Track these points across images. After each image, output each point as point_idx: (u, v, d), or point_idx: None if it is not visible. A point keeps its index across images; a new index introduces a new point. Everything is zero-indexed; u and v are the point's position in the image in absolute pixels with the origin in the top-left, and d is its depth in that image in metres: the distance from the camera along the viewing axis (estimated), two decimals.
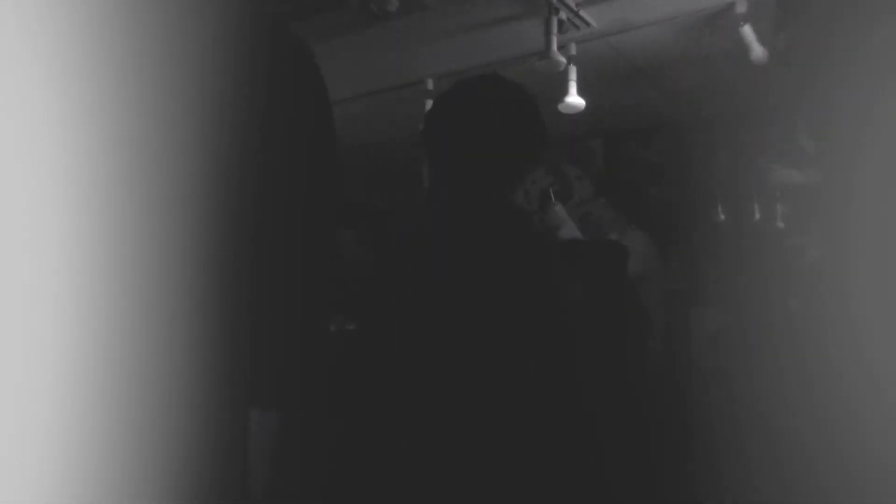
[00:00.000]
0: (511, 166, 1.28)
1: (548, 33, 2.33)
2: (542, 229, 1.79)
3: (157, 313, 0.48)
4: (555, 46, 2.33)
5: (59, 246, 0.44)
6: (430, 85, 2.88)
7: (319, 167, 0.59)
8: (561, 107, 2.56)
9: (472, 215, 1.22)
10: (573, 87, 2.57)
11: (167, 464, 0.50)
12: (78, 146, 0.45)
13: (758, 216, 3.18)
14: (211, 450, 0.55)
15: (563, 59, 2.37)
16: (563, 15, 2.36)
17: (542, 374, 1.17)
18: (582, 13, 2.39)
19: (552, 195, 2.53)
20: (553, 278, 1.27)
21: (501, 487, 1.08)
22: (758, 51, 2.32)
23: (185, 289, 0.48)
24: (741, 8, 2.29)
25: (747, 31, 2.30)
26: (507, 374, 1.12)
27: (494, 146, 1.25)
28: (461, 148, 1.25)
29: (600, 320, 1.43)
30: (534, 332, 1.18)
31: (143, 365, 0.47)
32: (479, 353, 1.11)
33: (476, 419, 1.09)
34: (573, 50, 2.58)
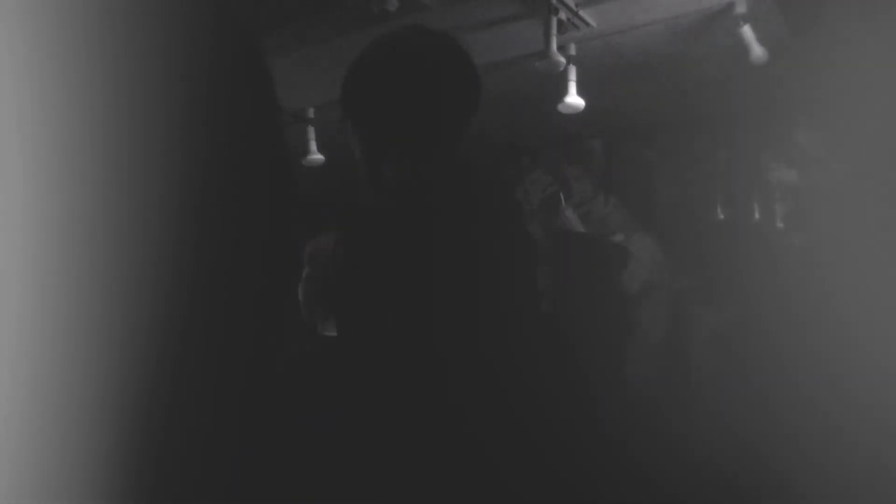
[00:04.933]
0: (453, 125, 1.14)
1: (547, 34, 2.33)
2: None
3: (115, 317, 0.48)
4: (554, 47, 2.33)
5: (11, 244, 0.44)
6: None
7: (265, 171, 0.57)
8: (561, 107, 2.56)
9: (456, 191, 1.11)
10: (573, 87, 2.57)
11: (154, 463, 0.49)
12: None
13: (757, 216, 3.18)
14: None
15: (562, 60, 2.37)
16: (563, 15, 2.36)
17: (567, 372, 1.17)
18: (581, 13, 2.39)
19: (562, 199, 2.53)
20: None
21: (508, 486, 1.08)
22: (757, 51, 2.32)
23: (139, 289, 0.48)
24: (740, 8, 2.29)
25: (747, 31, 2.30)
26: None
27: (432, 107, 1.12)
28: (401, 114, 1.11)
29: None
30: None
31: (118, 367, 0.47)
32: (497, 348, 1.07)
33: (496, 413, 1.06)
34: (573, 50, 2.58)
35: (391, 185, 1.10)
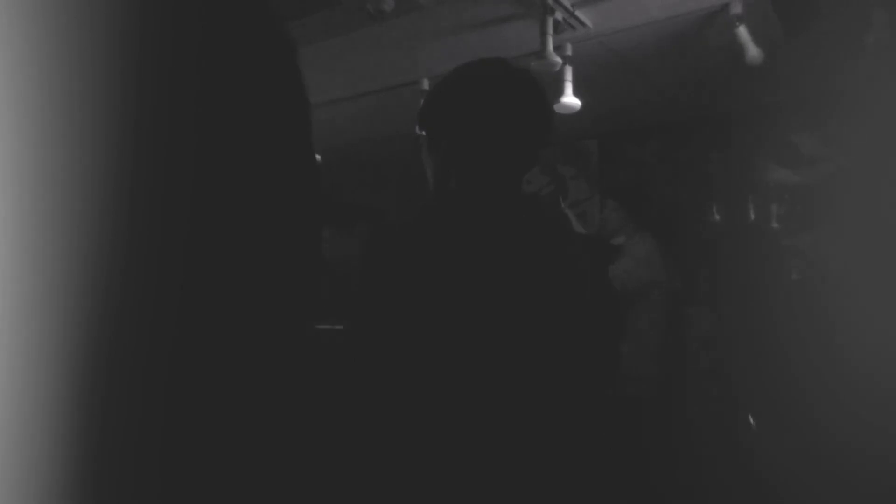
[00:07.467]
0: (525, 152, 1.27)
1: (543, 34, 2.33)
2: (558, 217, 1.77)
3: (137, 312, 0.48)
4: (550, 47, 2.33)
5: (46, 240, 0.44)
6: (425, 85, 2.88)
7: (295, 165, 0.56)
8: (556, 107, 2.56)
9: (501, 204, 1.19)
10: (569, 88, 2.57)
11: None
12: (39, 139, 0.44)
13: (753, 216, 3.19)
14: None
15: (558, 60, 2.37)
16: (559, 15, 2.36)
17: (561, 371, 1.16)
18: (577, 13, 2.39)
19: (560, 201, 2.52)
20: (580, 267, 1.25)
21: (506, 487, 1.08)
22: (753, 51, 2.32)
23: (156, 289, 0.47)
24: (736, 9, 2.29)
25: (742, 31, 2.31)
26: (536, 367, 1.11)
27: (508, 132, 1.23)
28: (474, 134, 1.21)
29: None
30: (562, 320, 1.16)
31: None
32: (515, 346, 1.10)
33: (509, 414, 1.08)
34: (569, 50, 2.58)
35: (457, 199, 1.19)
